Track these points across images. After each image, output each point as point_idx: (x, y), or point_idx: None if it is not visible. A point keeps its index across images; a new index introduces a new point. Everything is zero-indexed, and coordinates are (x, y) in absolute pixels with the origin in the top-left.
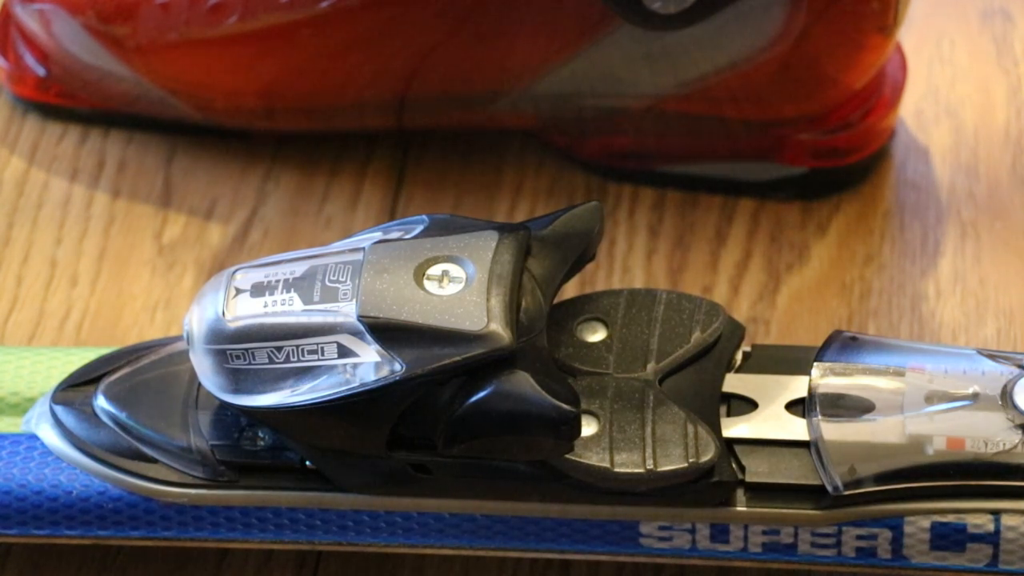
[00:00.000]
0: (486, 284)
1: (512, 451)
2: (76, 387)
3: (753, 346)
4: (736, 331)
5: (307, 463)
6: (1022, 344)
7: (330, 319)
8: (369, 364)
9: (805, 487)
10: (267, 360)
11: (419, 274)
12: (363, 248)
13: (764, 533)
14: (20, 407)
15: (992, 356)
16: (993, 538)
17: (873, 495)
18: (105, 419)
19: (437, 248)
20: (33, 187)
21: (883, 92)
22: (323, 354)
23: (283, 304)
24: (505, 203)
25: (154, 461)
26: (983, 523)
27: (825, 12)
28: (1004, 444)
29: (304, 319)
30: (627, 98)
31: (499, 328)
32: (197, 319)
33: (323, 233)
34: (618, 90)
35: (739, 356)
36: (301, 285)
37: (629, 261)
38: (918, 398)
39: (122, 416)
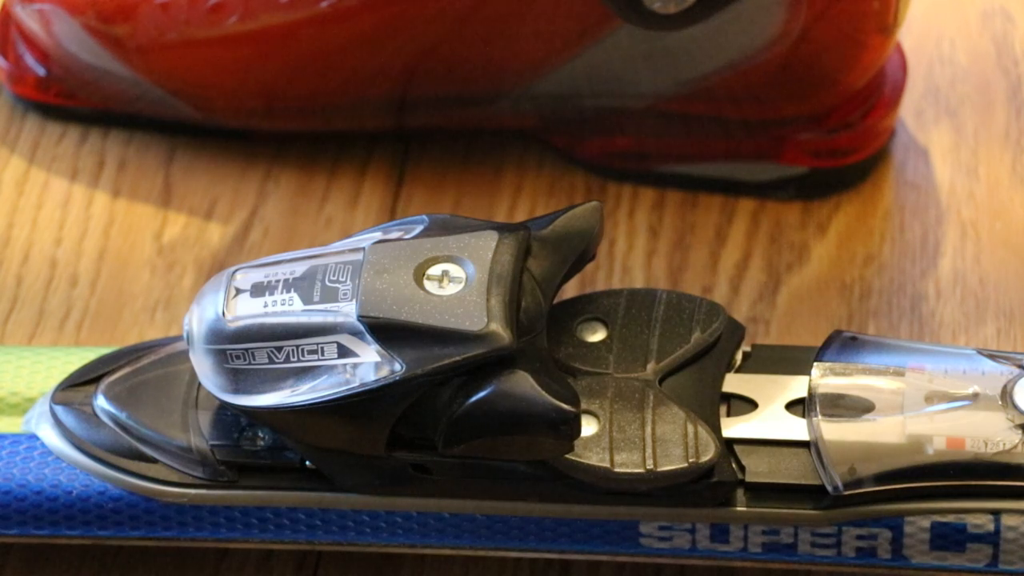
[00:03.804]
0: (486, 284)
1: (512, 451)
2: (76, 387)
3: (753, 346)
4: (736, 331)
5: (307, 463)
6: (1022, 344)
7: (330, 319)
8: (369, 364)
9: (805, 487)
10: (267, 360)
11: (419, 274)
12: (363, 248)
13: (764, 533)
14: (20, 407)
15: (992, 356)
16: (993, 538)
17: (873, 495)
18: (105, 419)
19: (437, 248)
20: (33, 187)
21: (883, 92)
22: (323, 354)
23: (283, 304)
24: (505, 203)
25: (154, 461)
26: (983, 523)
27: (825, 12)
28: (1004, 444)
29: (304, 319)
30: (627, 98)
31: (499, 328)
32: (197, 319)
33: (323, 233)
34: (618, 90)
35: (739, 356)
36: (301, 285)
37: (629, 261)
38: (918, 398)
39: (122, 416)
